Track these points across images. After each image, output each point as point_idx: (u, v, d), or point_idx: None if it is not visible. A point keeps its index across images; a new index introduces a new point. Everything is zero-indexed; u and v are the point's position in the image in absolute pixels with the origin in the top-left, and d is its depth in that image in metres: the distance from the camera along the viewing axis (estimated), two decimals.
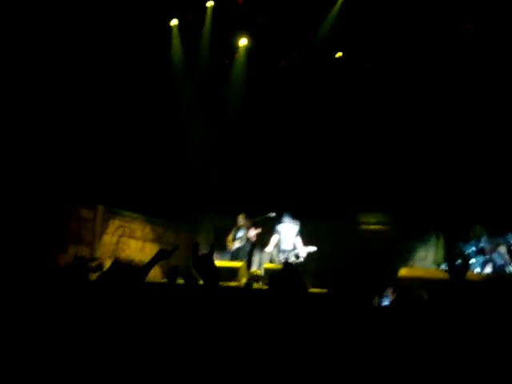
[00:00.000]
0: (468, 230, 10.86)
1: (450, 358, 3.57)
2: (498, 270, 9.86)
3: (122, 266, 6.43)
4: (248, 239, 11.37)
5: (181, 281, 5.98)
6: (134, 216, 11.92)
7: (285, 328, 3.65)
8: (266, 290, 4.19)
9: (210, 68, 13.31)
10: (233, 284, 9.66)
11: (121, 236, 11.54)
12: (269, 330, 3.64)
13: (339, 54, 13.05)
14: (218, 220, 13.27)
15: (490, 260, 10.03)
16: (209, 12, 12.93)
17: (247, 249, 11.44)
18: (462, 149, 12.48)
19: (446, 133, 12.67)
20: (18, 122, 10.05)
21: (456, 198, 12.13)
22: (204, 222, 13.72)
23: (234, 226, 11.65)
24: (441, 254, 12.21)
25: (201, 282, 3.89)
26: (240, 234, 11.44)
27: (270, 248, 10.97)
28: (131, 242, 11.78)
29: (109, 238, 11.21)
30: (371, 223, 12.57)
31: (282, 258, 10.73)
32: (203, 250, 11.77)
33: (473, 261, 10.44)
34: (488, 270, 10.14)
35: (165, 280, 7.73)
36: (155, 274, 10.22)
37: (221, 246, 12.75)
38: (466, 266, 6.58)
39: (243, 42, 13.39)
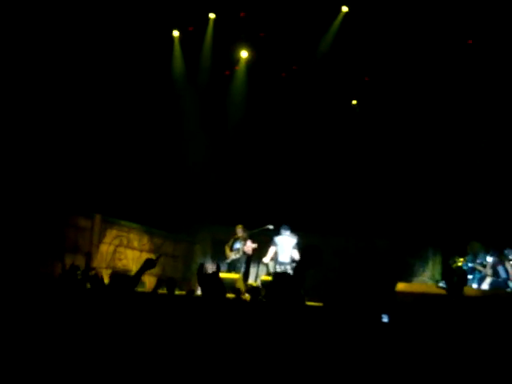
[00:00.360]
0: (465, 246, 10.85)
1: (448, 371, 3.56)
2: (501, 284, 9.89)
3: (120, 278, 6.42)
4: (244, 252, 11.31)
5: (178, 292, 5.97)
6: (131, 226, 11.90)
7: (281, 340, 3.63)
8: (264, 302, 4.19)
9: (211, 79, 13.35)
10: (230, 296, 9.60)
11: (118, 246, 11.52)
12: (265, 342, 3.62)
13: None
14: (216, 231, 13.26)
15: (494, 273, 10.06)
16: (211, 23, 13.00)
17: (243, 261, 11.39)
18: (460, 166, 12.52)
19: (445, 150, 12.71)
20: (18, 131, 10.06)
21: (453, 214, 12.13)
22: (202, 232, 13.71)
23: (231, 237, 11.61)
24: (438, 269, 12.21)
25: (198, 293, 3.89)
26: (237, 245, 11.41)
27: (267, 260, 10.94)
28: (128, 252, 11.76)
29: (106, 248, 11.19)
30: (368, 238, 12.57)
31: (279, 270, 10.69)
32: (200, 260, 11.81)
33: (470, 277, 10.44)
34: (485, 286, 10.15)
35: (164, 291, 7.72)
36: (150, 284, 10.19)
37: (218, 257, 12.74)
38: (463, 282, 6.58)
39: (244, 54, 13.45)
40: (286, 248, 10.79)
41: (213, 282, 4.11)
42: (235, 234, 11.50)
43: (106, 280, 7.65)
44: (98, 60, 11.44)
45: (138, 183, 12.33)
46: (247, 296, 9.76)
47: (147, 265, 4.79)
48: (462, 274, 10.23)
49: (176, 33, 13.10)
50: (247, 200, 13.22)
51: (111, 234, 11.38)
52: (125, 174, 12.12)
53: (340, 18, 12.34)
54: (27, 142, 10.21)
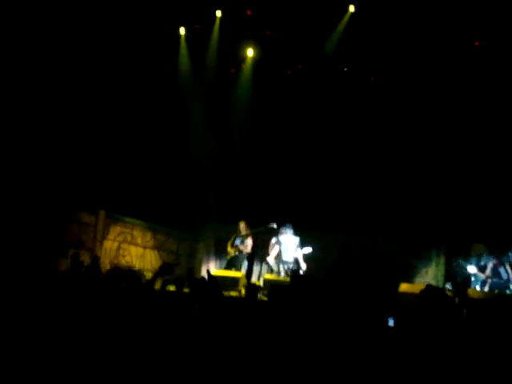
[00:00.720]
0: (469, 246, 10.85)
1: (451, 370, 3.56)
2: (502, 285, 9.91)
3: (121, 273, 6.44)
4: (241, 250, 11.25)
5: (186, 290, 5.97)
6: (135, 222, 11.92)
7: (283, 337, 3.64)
8: (266, 301, 4.19)
9: (217, 77, 13.35)
10: (233, 294, 9.62)
11: (122, 242, 11.54)
12: (267, 340, 3.62)
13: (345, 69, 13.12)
14: (220, 229, 13.26)
15: (495, 274, 10.08)
16: (217, 21, 12.99)
17: (241, 259, 11.35)
18: (465, 166, 12.49)
19: (449, 149, 12.68)
20: (22, 128, 10.09)
21: (457, 215, 12.11)
22: (205, 230, 13.72)
23: (234, 233, 11.57)
24: (441, 270, 12.18)
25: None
26: (237, 242, 11.36)
27: (270, 259, 10.94)
28: (132, 249, 11.78)
29: (110, 244, 11.21)
30: (372, 238, 12.54)
31: (282, 269, 10.69)
32: (204, 258, 11.83)
33: (473, 279, 10.45)
34: (486, 288, 10.15)
35: (173, 288, 7.70)
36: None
37: (221, 255, 12.76)
38: (466, 283, 6.56)
39: (250, 52, 13.44)
40: (289, 247, 10.79)
41: (202, 287, 4.12)
42: (237, 230, 11.47)
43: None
44: (105, 57, 11.45)
45: (142, 180, 12.35)
46: (243, 292, 9.78)
47: (164, 269, 4.81)
48: (465, 276, 10.26)
49: (182, 30, 13.11)
50: (251, 198, 13.22)
51: (115, 230, 11.40)
52: (129, 171, 12.14)
53: (347, 17, 12.33)
54: (32, 137, 10.23)
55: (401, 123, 12.95)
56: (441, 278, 11.81)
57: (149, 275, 10.74)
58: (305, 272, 10.57)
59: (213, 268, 12.66)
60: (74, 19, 10.78)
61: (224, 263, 11.88)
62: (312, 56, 12.88)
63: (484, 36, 11.59)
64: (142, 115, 12.47)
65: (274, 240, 11.04)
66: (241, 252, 11.27)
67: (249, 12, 12.48)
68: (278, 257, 10.87)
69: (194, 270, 4.85)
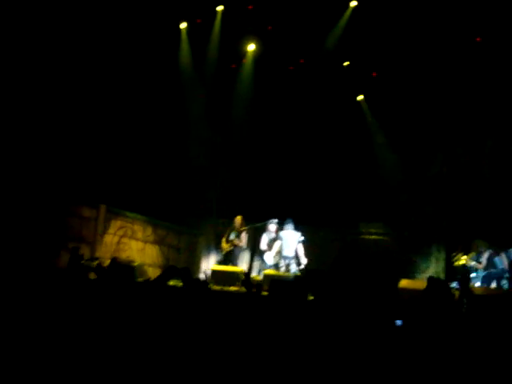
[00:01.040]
0: (469, 243, 10.88)
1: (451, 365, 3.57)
2: (498, 274, 10.07)
3: (121, 267, 6.45)
4: (236, 245, 11.23)
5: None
6: (136, 217, 11.92)
7: (281, 333, 3.64)
8: (266, 296, 4.20)
9: (218, 72, 13.32)
10: (233, 289, 9.64)
11: (122, 236, 11.54)
12: (267, 334, 3.63)
13: (347, 63, 13.09)
14: (220, 223, 13.25)
15: (491, 264, 10.19)
16: (218, 16, 12.96)
17: (237, 253, 11.33)
18: (464, 164, 12.50)
19: (449, 146, 12.70)
20: (23, 122, 10.08)
21: (458, 211, 12.13)
22: (205, 225, 13.72)
23: (228, 228, 11.51)
24: (441, 266, 12.20)
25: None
26: (232, 236, 11.33)
27: (271, 254, 10.95)
28: (132, 243, 11.78)
29: (110, 238, 11.21)
30: (372, 233, 12.56)
31: (283, 264, 10.70)
32: (204, 252, 11.78)
33: (473, 275, 10.48)
34: (478, 282, 10.21)
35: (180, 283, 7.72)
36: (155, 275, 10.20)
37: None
38: (466, 280, 6.55)
39: (252, 47, 13.41)
40: (290, 243, 10.80)
41: (197, 287, 4.18)
42: (233, 225, 11.40)
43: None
44: (105, 51, 11.43)
45: (143, 174, 12.35)
46: (242, 288, 9.79)
47: (170, 272, 4.89)
48: (464, 272, 10.31)
49: (184, 25, 13.07)
50: (252, 193, 13.22)
51: (116, 224, 11.40)
52: (130, 165, 12.14)
53: (348, 12, 12.30)
54: (33, 132, 10.22)
55: (403, 117, 12.94)
56: (441, 274, 11.82)
57: (149, 270, 10.76)
58: (305, 266, 10.59)
59: (212, 263, 12.67)
60: (75, 12, 10.74)
61: (218, 257, 11.87)
62: (313, 51, 12.85)
63: (485, 32, 11.57)
64: (143, 110, 12.45)
65: (264, 235, 11.08)
66: (235, 246, 11.25)
67: (250, 7, 12.45)
68: (279, 252, 10.88)
69: (189, 269, 4.93)
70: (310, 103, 13.41)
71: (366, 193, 12.91)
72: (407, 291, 8.66)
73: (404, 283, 9.32)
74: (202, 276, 11.22)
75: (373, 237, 12.43)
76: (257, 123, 13.52)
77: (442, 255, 12.29)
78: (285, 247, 10.80)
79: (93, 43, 11.22)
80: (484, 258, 10.33)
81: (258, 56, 13.48)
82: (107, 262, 9.87)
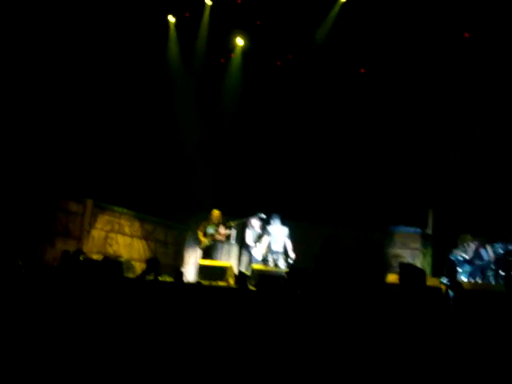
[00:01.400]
0: (456, 238, 10.95)
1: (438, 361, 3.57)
2: (484, 266, 10.15)
3: (111, 263, 6.41)
4: (215, 239, 11.13)
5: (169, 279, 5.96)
6: (123, 212, 11.86)
7: (272, 327, 3.63)
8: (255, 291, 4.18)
9: (206, 66, 13.26)
10: (221, 284, 9.62)
11: (109, 231, 11.48)
12: (257, 329, 3.62)
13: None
14: (208, 218, 13.19)
15: (477, 256, 10.27)
16: (207, 10, 12.90)
17: (218, 247, 11.24)
18: (453, 158, 12.55)
19: (438, 141, 12.74)
20: (8, 116, 9.96)
21: (445, 206, 12.19)
22: (193, 219, 13.66)
23: (204, 221, 11.36)
24: (428, 261, 12.26)
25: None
26: (210, 231, 11.21)
27: (260, 249, 10.94)
28: (119, 238, 11.73)
29: (97, 233, 11.15)
30: (361, 229, 12.58)
31: (271, 259, 10.71)
32: (191, 247, 11.63)
33: (460, 270, 10.55)
34: (477, 275, 10.29)
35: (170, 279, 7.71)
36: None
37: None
38: (453, 272, 6.56)
39: (240, 41, 13.37)
40: (278, 237, 10.81)
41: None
42: (209, 218, 11.27)
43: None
44: (92, 45, 11.32)
45: (131, 169, 12.27)
46: (231, 282, 9.79)
47: (151, 265, 4.93)
48: (451, 264, 10.38)
49: (172, 18, 12.99)
50: (239, 188, 13.19)
51: (103, 219, 11.34)
52: (117, 160, 12.05)
53: (337, 7, 12.29)
54: (18, 126, 10.11)
55: (391, 115, 12.97)
56: (428, 269, 11.87)
57: (136, 265, 10.71)
58: (293, 261, 10.60)
59: (199, 257, 12.62)
60: (61, 3, 10.63)
61: (197, 251, 11.73)
62: (302, 46, 12.83)
63: (474, 28, 11.61)
64: (131, 103, 12.35)
65: (248, 231, 11.06)
66: (216, 241, 11.16)
67: (239, 1, 12.40)
68: (268, 247, 10.88)
69: (182, 273, 4.96)
70: (298, 98, 13.39)
71: (354, 187, 12.94)
72: (394, 286, 8.67)
73: (391, 278, 9.34)
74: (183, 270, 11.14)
75: (361, 232, 12.46)
76: (246, 117, 13.48)
77: (429, 250, 12.36)
78: (273, 242, 10.81)
79: (80, 35, 11.10)
80: (470, 250, 10.43)
81: (247, 51, 13.43)
82: (94, 257, 9.83)
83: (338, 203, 12.80)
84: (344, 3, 12.21)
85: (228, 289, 8.60)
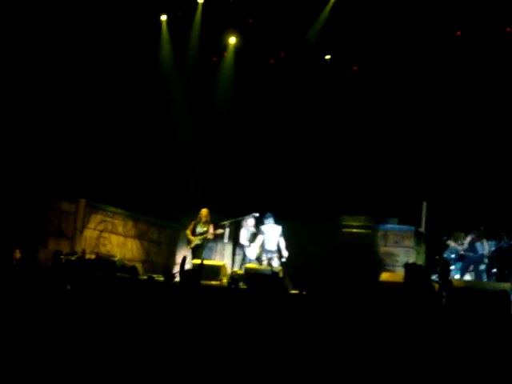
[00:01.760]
0: (448, 235, 11.00)
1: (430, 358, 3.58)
2: (476, 259, 10.26)
3: (104, 262, 6.38)
4: (206, 238, 11.03)
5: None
6: (116, 211, 11.81)
7: (264, 326, 3.63)
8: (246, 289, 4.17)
9: (199, 64, 13.24)
10: (214, 283, 9.60)
11: (102, 231, 11.44)
12: (250, 328, 3.61)
13: (328, 57, 13.09)
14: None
15: (471, 248, 10.33)
16: (199, 8, 12.87)
17: (206, 247, 11.10)
18: (445, 157, 12.59)
19: (429, 139, 12.78)
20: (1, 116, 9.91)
21: (438, 204, 12.22)
22: (186, 219, 13.62)
23: (193, 220, 11.20)
24: (422, 259, 12.27)
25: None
26: (199, 229, 11.09)
27: (254, 248, 10.92)
28: (112, 238, 11.69)
29: (90, 233, 11.11)
30: (354, 227, 12.57)
31: (265, 258, 10.69)
32: (184, 246, 11.51)
33: (452, 267, 10.60)
34: (468, 277, 10.31)
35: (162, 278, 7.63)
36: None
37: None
38: (446, 271, 6.57)
39: (232, 40, 13.35)
40: (272, 236, 10.79)
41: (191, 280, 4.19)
42: (198, 217, 11.14)
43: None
44: (83, 42, 11.27)
45: (124, 168, 12.23)
46: (224, 281, 9.77)
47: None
48: (444, 263, 10.40)
49: (164, 17, 12.96)
50: (233, 187, 13.17)
51: (96, 219, 11.29)
52: (110, 159, 12.01)
53: (330, 5, 12.29)
54: (10, 125, 10.06)
55: (383, 112, 12.99)
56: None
57: (129, 264, 10.65)
58: (286, 259, 10.58)
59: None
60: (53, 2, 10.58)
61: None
62: (295, 44, 12.83)
63: (465, 26, 11.65)
64: (123, 102, 12.31)
65: (243, 230, 11.03)
66: (205, 239, 11.05)
67: None
68: (261, 246, 10.86)
69: (186, 258, 4.95)
70: (290, 96, 13.39)
71: (348, 186, 12.95)
72: (388, 284, 8.69)
73: (385, 276, 9.35)
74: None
75: (354, 230, 12.45)
76: (238, 116, 13.47)
77: (423, 248, 12.37)
78: (267, 241, 10.79)
79: (72, 33, 11.06)
80: (466, 242, 10.48)
81: (239, 49, 13.41)
82: (87, 257, 9.79)
83: (330, 201, 12.80)
84: (336, 1, 12.21)
85: (219, 288, 8.59)
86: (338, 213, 12.57)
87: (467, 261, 10.46)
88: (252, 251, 10.92)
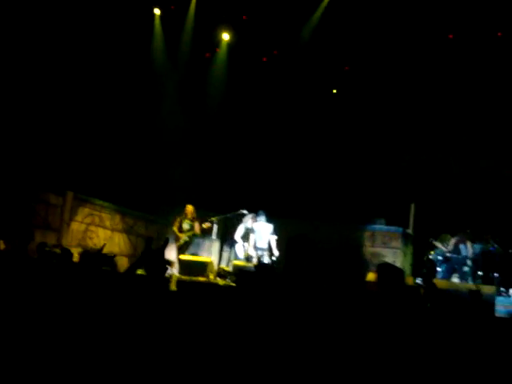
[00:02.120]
0: (436, 237, 11.06)
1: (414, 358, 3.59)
2: (460, 260, 10.39)
3: (92, 256, 6.33)
4: (194, 234, 10.97)
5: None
6: (104, 205, 11.74)
7: (252, 323, 3.62)
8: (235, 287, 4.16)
9: (192, 60, 13.19)
10: (201, 279, 9.59)
11: (89, 224, 11.37)
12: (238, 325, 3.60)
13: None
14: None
15: (456, 250, 10.41)
16: (193, 3, 12.82)
17: (192, 243, 11.06)
18: (434, 160, 12.66)
19: (418, 141, 12.85)
20: None
21: (425, 205, 12.28)
22: (174, 214, 13.57)
23: (179, 216, 11.14)
24: (409, 260, 12.33)
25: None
26: (186, 226, 11.03)
27: (245, 246, 10.90)
28: (100, 231, 11.62)
29: (77, 226, 11.04)
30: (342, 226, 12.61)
31: (255, 255, 10.67)
32: (172, 242, 11.41)
33: (439, 269, 10.66)
34: (455, 279, 10.39)
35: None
36: (123, 264, 10.09)
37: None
38: (432, 272, 6.58)
39: (226, 36, 13.31)
40: (263, 234, 10.78)
41: (155, 259, 4.13)
42: (184, 213, 11.09)
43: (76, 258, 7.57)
44: (74, 36, 11.19)
45: (112, 162, 12.17)
46: (219, 280, 9.76)
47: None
48: (430, 265, 10.46)
49: (157, 10, 12.89)
50: (222, 183, 13.15)
51: (83, 212, 11.22)
52: (99, 152, 11.94)
53: (324, 4, 12.29)
54: None
55: (372, 113, 13.03)
56: (409, 268, 11.95)
57: (116, 259, 10.60)
58: (277, 258, 10.56)
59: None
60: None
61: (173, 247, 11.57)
62: (288, 42, 12.82)
63: (458, 30, 11.71)
64: (114, 96, 12.24)
65: (241, 226, 11.02)
66: (194, 235, 10.99)
67: None
68: (253, 244, 10.84)
69: (152, 238, 4.88)
70: (283, 94, 13.39)
71: (338, 186, 12.98)
72: (374, 284, 8.71)
73: (371, 276, 9.39)
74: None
75: (342, 231, 12.49)
76: (230, 112, 13.44)
77: (410, 249, 12.43)
78: (258, 239, 10.77)
79: (63, 27, 10.97)
80: (451, 244, 10.57)
81: (233, 45, 13.38)
82: (73, 250, 9.72)
83: (321, 201, 12.83)
84: (330, 0, 12.21)
85: (207, 284, 8.58)
86: (327, 213, 12.61)
87: (451, 263, 10.56)
88: (240, 249, 10.91)
